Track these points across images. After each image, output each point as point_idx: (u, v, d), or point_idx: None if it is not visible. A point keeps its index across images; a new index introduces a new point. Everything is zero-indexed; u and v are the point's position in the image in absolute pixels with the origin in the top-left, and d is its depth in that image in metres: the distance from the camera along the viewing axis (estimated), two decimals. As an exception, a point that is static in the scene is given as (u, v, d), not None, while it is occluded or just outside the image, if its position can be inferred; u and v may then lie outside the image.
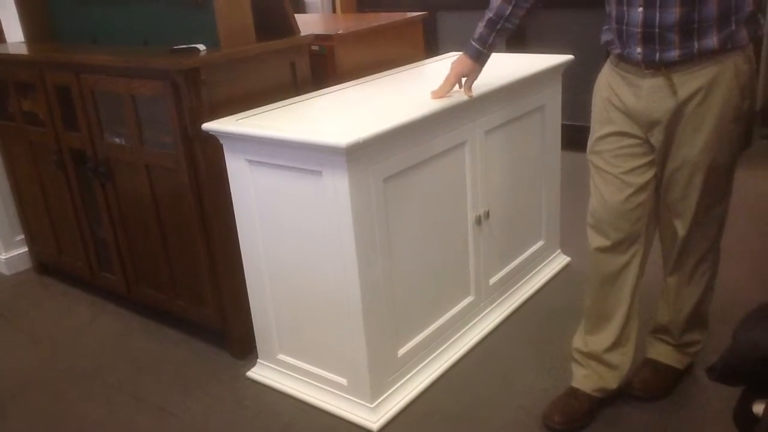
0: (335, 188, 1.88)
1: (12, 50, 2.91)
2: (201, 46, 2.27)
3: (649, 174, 1.86)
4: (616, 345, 2.01)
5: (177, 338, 2.67)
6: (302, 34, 2.47)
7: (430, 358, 2.30)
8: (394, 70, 2.71)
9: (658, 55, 1.71)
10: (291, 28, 2.46)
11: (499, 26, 2.03)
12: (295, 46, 2.42)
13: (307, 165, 1.92)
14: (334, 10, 5.63)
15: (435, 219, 2.21)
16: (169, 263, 2.55)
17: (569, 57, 2.62)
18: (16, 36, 3.17)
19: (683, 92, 1.74)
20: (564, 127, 2.80)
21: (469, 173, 2.30)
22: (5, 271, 3.38)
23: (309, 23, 3.01)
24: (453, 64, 2.16)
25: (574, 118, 3.70)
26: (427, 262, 2.22)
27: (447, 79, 2.16)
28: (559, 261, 2.92)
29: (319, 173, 1.90)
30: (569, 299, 2.62)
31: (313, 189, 1.94)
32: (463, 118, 2.21)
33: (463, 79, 2.17)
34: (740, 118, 1.79)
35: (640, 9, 1.69)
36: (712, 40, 1.68)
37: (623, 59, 1.81)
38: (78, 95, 2.55)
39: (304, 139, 1.88)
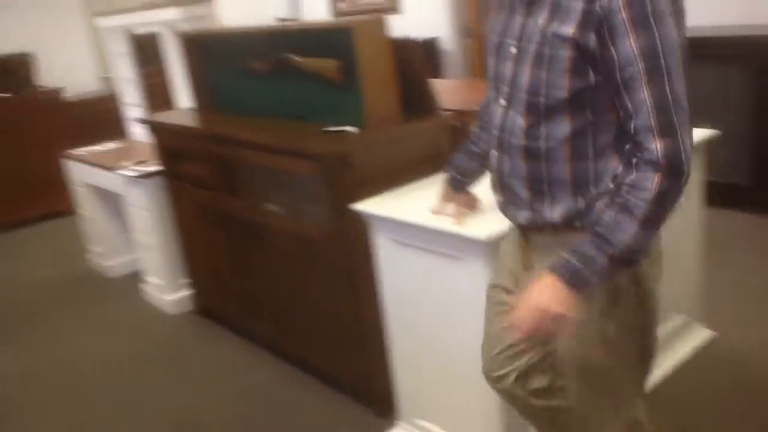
0: (473, 274, 1.97)
1: (182, 118, 3.25)
2: (351, 129, 2.44)
3: None
4: None
5: (322, 392, 2.84)
6: (441, 105, 2.58)
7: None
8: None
9: (511, 212, 1.58)
10: (433, 106, 2.58)
11: (469, 150, 1.89)
12: (438, 125, 2.54)
13: (447, 251, 2.03)
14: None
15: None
16: (316, 322, 2.74)
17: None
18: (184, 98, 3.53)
19: (538, 267, 1.52)
20: (709, 184, 2.67)
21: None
22: (170, 311, 3.74)
23: (447, 92, 3.11)
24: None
25: (721, 174, 3.59)
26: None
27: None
28: (702, 336, 2.83)
29: (459, 259, 2.00)
30: (711, 383, 2.53)
31: (452, 272, 2.04)
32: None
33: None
34: (616, 311, 1.49)
35: (495, 152, 1.57)
36: (555, 212, 1.47)
37: None
38: (239, 167, 2.81)
39: (445, 229, 1.98)
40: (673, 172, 1.30)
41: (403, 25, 2.90)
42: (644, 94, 1.29)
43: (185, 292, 3.72)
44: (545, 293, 1.40)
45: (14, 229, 5.52)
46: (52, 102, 5.79)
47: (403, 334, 2.33)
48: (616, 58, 1.31)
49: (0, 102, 5.64)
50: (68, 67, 6.31)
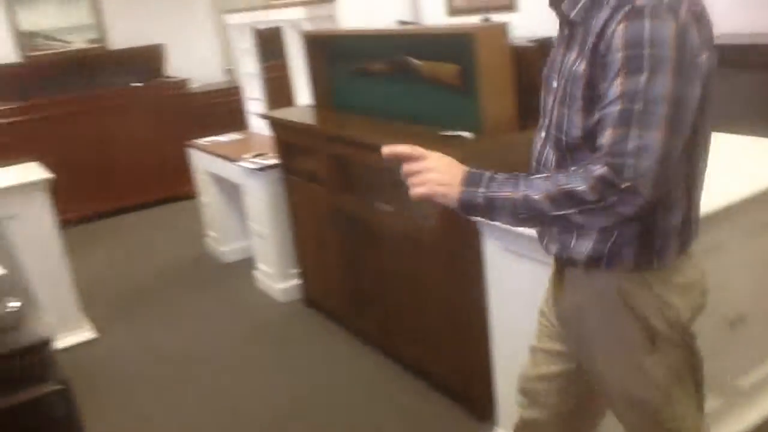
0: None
1: (301, 116, 3.37)
2: (467, 134, 2.47)
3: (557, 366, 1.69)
4: None
5: (422, 390, 2.89)
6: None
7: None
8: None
9: (544, 243, 1.56)
10: (551, 115, 2.57)
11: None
12: (554, 134, 2.53)
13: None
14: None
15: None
16: (422, 321, 2.80)
17: None
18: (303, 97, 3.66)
19: (569, 299, 1.54)
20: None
21: (722, 277, 2.23)
22: (280, 299, 3.90)
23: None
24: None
25: None
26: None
27: None
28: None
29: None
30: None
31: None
32: (719, 220, 2.17)
33: None
34: (655, 348, 1.45)
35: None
36: (580, 248, 1.44)
37: None
38: (354, 165, 2.90)
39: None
40: (602, 198, 1.22)
41: (518, 23, 2.88)
42: (608, 135, 1.22)
43: (294, 282, 3.86)
44: (445, 160, 1.46)
45: (139, 211, 5.90)
46: (179, 92, 6.13)
47: (506, 341, 2.34)
48: (602, 95, 1.27)
49: (132, 90, 6.03)
50: (196, 60, 6.65)
